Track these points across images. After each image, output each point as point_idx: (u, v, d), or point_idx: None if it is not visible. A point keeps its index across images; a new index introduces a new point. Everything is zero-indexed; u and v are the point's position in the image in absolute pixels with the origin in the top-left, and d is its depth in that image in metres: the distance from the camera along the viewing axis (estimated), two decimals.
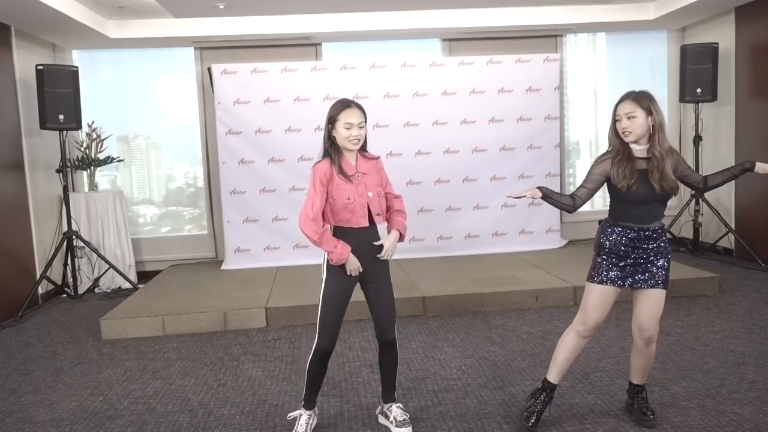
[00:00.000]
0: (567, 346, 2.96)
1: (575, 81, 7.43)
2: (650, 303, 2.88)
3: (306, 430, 2.97)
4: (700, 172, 6.62)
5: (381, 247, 2.93)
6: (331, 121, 2.83)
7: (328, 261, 2.88)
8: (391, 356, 3.03)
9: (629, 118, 2.75)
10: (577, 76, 7.45)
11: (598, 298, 2.89)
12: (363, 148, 2.94)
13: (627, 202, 2.82)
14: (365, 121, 2.87)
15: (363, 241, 2.88)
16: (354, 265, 2.85)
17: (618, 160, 2.80)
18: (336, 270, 2.88)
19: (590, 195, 2.91)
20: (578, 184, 2.97)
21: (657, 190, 2.76)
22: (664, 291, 2.88)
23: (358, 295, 2.99)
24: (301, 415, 3.01)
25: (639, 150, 2.81)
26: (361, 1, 6.09)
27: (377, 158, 3.02)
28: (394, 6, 6.32)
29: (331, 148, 2.86)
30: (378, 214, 2.90)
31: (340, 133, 2.82)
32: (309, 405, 3.02)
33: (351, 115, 2.81)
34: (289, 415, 3.08)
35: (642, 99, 2.77)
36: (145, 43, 6.70)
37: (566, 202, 2.92)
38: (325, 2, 6.01)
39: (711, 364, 3.72)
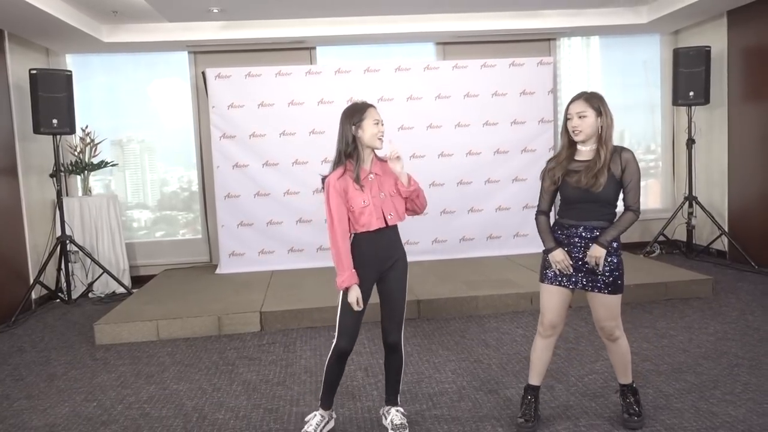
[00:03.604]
0: (535, 347, 3.04)
1: (569, 84, 7.45)
2: (598, 306, 2.92)
3: (316, 430, 2.98)
4: (693, 176, 6.75)
5: (394, 256, 2.94)
6: (356, 122, 2.84)
7: None
8: (393, 359, 3.03)
9: (580, 117, 2.81)
10: (570, 80, 7.47)
11: (546, 297, 2.96)
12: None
13: (564, 200, 2.93)
14: None
15: (381, 243, 2.89)
16: (353, 298, 2.81)
17: (558, 156, 2.91)
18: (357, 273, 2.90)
19: (552, 200, 3.02)
20: None
21: (582, 184, 2.79)
22: (613, 296, 2.88)
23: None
24: (317, 415, 3.02)
25: (584, 151, 2.87)
26: (355, 6, 6.10)
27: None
28: (388, 11, 6.33)
29: (354, 152, 2.86)
30: (390, 215, 2.88)
31: (369, 130, 2.83)
32: (325, 405, 3.04)
33: (375, 112, 2.88)
34: (307, 417, 3.07)
35: (593, 99, 2.83)
36: (139, 47, 6.69)
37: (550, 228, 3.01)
38: (319, 7, 6.02)
39: (705, 365, 3.73)
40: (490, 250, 6.84)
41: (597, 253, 2.81)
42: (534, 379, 3.05)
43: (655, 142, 7.71)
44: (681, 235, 7.11)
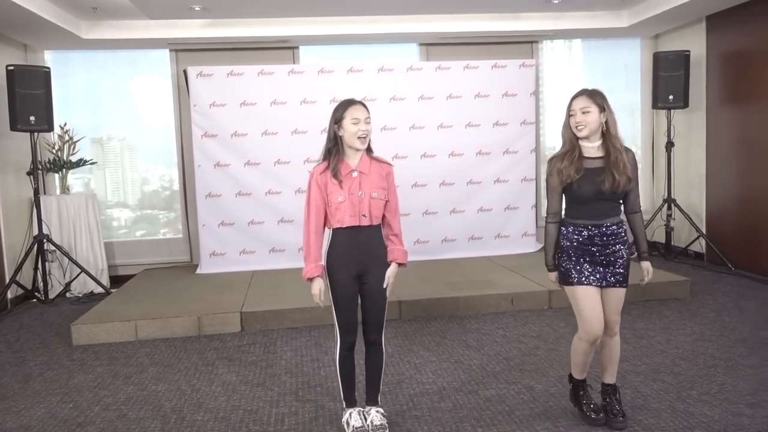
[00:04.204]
0: (577, 350, 3.03)
1: (551, 86, 7.50)
2: (613, 300, 2.96)
3: (363, 423, 2.98)
4: (672, 178, 6.83)
5: (377, 249, 2.96)
6: (338, 120, 2.86)
7: (328, 264, 2.94)
8: (374, 356, 3.03)
9: (584, 112, 2.85)
10: (552, 82, 7.52)
11: (586, 300, 2.91)
12: (369, 149, 2.96)
13: (576, 200, 2.92)
14: (370, 118, 2.90)
15: (358, 240, 2.90)
16: (315, 290, 2.90)
17: (567, 155, 2.90)
18: (336, 270, 2.92)
19: (561, 200, 3.01)
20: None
21: (607, 186, 2.82)
22: (626, 288, 2.98)
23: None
24: (351, 413, 3.02)
25: (590, 148, 2.90)
26: (339, 6, 6.08)
27: (388, 164, 3.02)
28: (371, 11, 6.32)
29: (335, 148, 2.88)
30: (364, 215, 2.88)
31: (348, 129, 2.84)
32: (351, 403, 3.05)
33: (357, 111, 2.86)
34: (343, 420, 3.07)
35: (596, 96, 2.89)
36: (119, 44, 6.61)
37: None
38: (302, 6, 5.99)
39: (682, 366, 3.78)
40: (471, 251, 6.86)
41: (650, 266, 3.03)
42: (579, 374, 3.08)
43: (635, 145, 7.78)
44: (660, 236, 7.19)
